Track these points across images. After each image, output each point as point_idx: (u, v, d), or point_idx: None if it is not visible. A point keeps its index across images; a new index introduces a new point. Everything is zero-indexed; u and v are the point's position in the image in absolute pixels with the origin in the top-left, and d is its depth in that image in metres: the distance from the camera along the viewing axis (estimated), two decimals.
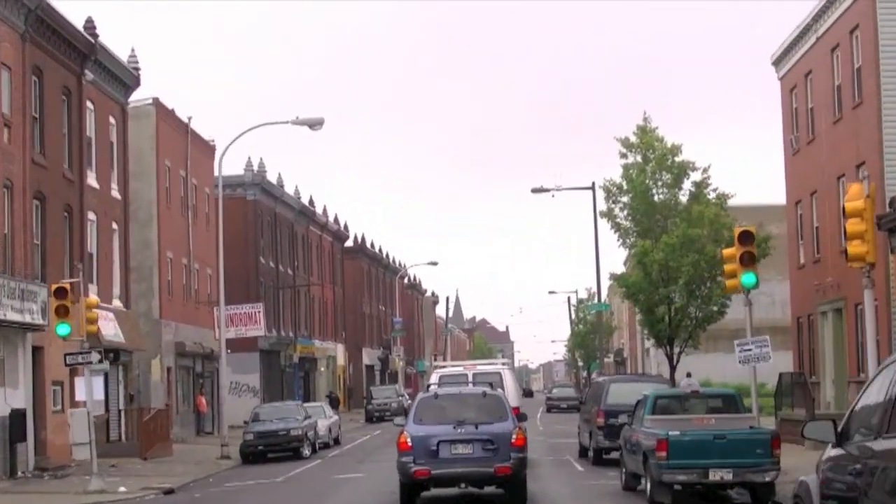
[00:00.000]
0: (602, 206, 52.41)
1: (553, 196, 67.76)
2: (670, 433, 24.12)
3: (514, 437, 24.76)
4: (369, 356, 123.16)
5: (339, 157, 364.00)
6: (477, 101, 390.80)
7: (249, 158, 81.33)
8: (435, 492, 26.71)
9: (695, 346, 54.26)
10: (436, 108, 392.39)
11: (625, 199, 51.33)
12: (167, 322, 61.51)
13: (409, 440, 24.71)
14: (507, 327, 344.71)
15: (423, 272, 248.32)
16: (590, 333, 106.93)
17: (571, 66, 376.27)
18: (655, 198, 51.12)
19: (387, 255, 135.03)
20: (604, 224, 54.71)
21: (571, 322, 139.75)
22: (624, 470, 28.34)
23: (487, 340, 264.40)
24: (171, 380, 62.16)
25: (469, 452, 24.55)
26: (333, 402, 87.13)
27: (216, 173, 55.13)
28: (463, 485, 25.04)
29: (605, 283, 75.05)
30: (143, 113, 60.17)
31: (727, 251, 30.84)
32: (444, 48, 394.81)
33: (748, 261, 29.50)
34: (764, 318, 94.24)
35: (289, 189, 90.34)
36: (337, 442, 57.19)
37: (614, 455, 36.71)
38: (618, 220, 51.93)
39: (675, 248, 49.00)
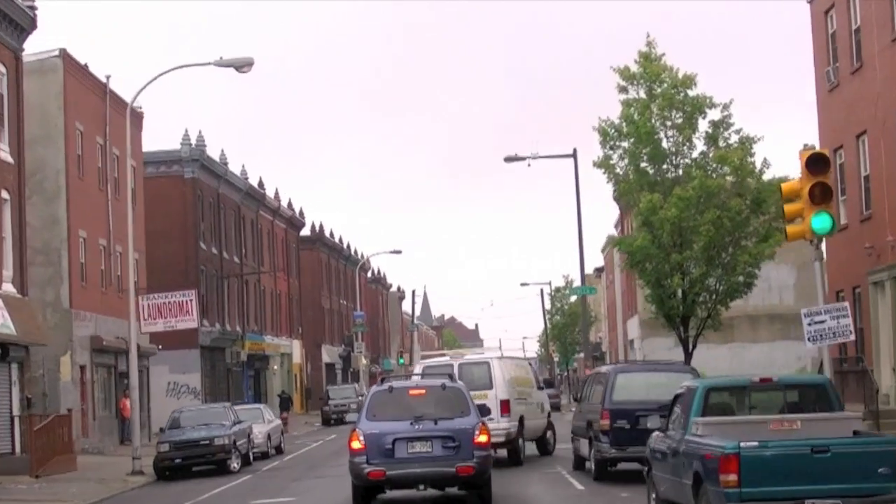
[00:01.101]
0: (597, 153, 42.13)
1: (529, 165, 59.20)
2: (743, 446, 15.49)
3: (477, 433, 22.81)
4: (330, 354, 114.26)
5: (293, 144, 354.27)
6: (447, 87, 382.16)
7: (186, 131, 72.48)
8: (392, 494, 24.78)
9: (715, 328, 45.45)
10: (401, 94, 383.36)
11: (625, 144, 41.53)
12: (81, 313, 52.45)
13: (361, 438, 22.78)
14: (476, 325, 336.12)
15: (388, 266, 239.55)
16: (567, 325, 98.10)
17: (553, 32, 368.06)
18: (664, 143, 41.56)
19: (348, 246, 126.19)
20: (597, 179, 45.23)
21: (545, 314, 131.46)
22: (655, 496, 19.60)
23: (458, 338, 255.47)
24: (86, 380, 53.03)
25: (428, 451, 22.69)
26: (285, 403, 78.81)
27: (125, 136, 45.95)
28: (422, 486, 23.16)
29: (591, 263, 66.30)
30: (49, 67, 51.21)
31: (789, 185, 22.31)
32: (412, 34, 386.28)
33: (821, 196, 20.92)
34: (759, 306, 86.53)
35: (234, 168, 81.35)
36: (279, 451, 48.48)
37: (624, 467, 28.44)
38: (616, 170, 42.17)
39: (691, 203, 39.90)
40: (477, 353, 38.65)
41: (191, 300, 55.95)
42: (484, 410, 26.49)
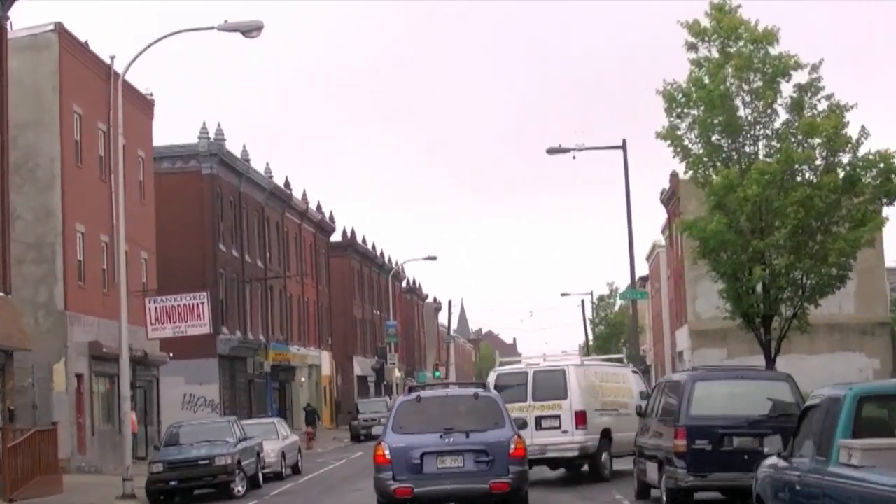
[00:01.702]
0: (662, 123, 35.84)
1: (574, 157, 53.61)
2: None
3: (512, 446, 21.38)
4: (362, 366, 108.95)
5: (319, 147, 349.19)
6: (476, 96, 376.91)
7: (204, 123, 67.38)
8: None
9: (802, 329, 39.71)
10: (425, 102, 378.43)
11: (694, 112, 35.46)
12: (78, 316, 47.29)
13: (387, 452, 21.37)
14: (514, 339, 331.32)
15: (424, 277, 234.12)
16: (612, 336, 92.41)
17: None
18: (740, 110, 35.51)
19: (381, 254, 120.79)
20: (643, 179, 39.75)
21: (586, 325, 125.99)
22: None
23: (494, 351, 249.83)
24: (83, 390, 47.82)
25: (459, 466, 21.28)
26: (311, 417, 73.53)
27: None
28: None
29: (641, 266, 60.98)
30: (42, 43, 46.25)
31: None
32: (442, 35, 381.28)
33: None
34: (817, 315, 79.81)
35: (257, 166, 76.18)
36: (296, 470, 43.19)
37: (704, 497, 22.96)
38: (684, 141, 35.94)
39: (775, 180, 34.34)
40: (554, 358, 33.55)
41: (202, 303, 51.03)
42: (519, 423, 23.80)
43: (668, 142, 35.76)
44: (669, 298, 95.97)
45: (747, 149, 36.21)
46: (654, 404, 25.31)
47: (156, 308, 51.03)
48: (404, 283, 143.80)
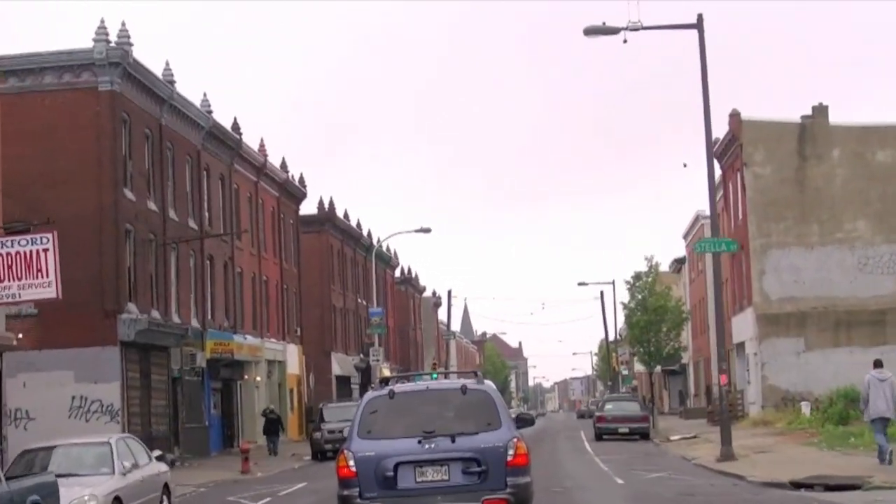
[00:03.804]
0: None
1: (625, 42, 37.69)
2: None
3: (510, 452, 17.15)
4: (342, 365, 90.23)
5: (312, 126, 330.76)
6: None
7: (102, 21, 48.48)
8: None
9: None
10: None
11: None
12: None
13: (351, 463, 17.20)
14: (519, 343, 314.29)
15: (423, 271, 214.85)
16: (653, 324, 73.45)
17: None
18: None
19: (369, 234, 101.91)
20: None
21: (605, 320, 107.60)
22: None
23: (501, 355, 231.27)
24: None
25: (443, 479, 17.08)
26: (273, 426, 55.40)
27: None
28: None
29: (668, 254, 43.81)
30: None
31: None
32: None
33: None
34: (785, 300, 63.09)
35: (190, 96, 57.55)
36: None
37: None
38: None
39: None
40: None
41: (46, 249, 32.35)
42: (527, 420, 19.81)
43: None
44: (721, 279, 76.98)
45: None
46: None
47: None
48: (398, 272, 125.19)
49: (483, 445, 17.27)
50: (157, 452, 48.50)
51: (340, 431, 54.01)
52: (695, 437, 55.67)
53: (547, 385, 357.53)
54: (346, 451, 17.52)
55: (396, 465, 17.18)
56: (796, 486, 27.83)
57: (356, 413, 18.15)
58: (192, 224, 56.93)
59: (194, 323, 56.60)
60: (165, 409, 52.04)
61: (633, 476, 33.18)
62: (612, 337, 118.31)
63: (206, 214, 59.63)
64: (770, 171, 64.30)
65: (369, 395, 18.45)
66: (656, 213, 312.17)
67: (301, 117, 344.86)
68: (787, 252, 63.66)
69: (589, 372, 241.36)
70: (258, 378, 67.05)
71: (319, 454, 54.35)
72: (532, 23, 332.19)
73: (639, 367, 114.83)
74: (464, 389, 17.93)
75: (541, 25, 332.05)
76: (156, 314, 51.16)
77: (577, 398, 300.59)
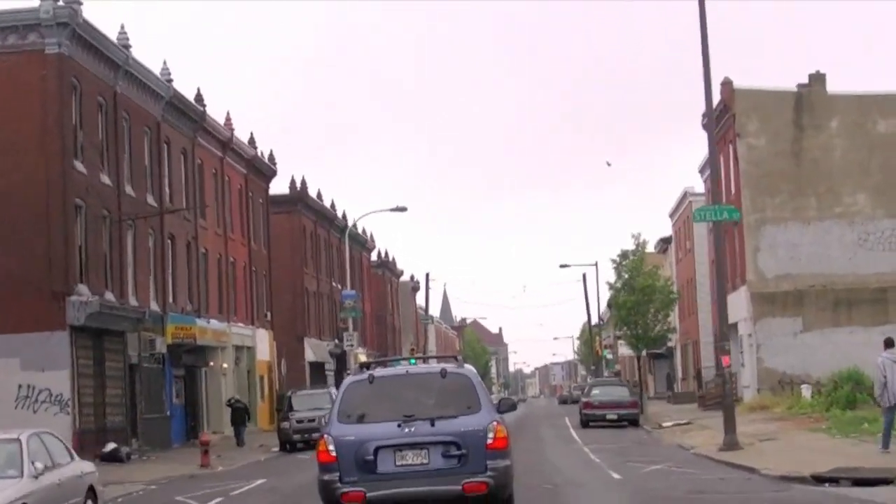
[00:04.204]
0: None
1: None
2: None
3: (490, 435, 17.26)
4: (316, 351, 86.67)
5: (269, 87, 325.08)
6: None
7: None
8: None
9: None
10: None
11: None
12: None
13: (331, 448, 17.29)
14: (500, 328, 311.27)
15: (400, 255, 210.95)
16: (640, 304, 69.92)
17: None
18: None
19: (343, 216, 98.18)
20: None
21: (588, 303, 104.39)
22: None
23: (481, 340, 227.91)
24: None
25: (423, 463, 17.18)
26: (240, 415, 52.15)
27: None
28: None
29: (654, 233, 40.90)
30: None
31: None
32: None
33: None
34: (782, 278, 60.01)
35: (148, 63, 53.81)
36: None
37: None
38: None
39: None
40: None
41: None
42: (508, 405, 19.72)
43: None
44: (712, 257, 73.64)
45: None
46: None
47: None
48: (374, 256, 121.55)
49: (463, 429, 17.27)
50: (111, 445, 45.24)
51: (310, 420, 50.72)
52: (688, 423, 52.40)
53: (528, 370, 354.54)
54: (326, 436, 17.54)
55: (376, 449, 17.19)
56: (819, 480, 24.44)
57: (336, 397, 18.28)
58: (150, 201, 53.26)
59: (154, 306, 53.00)
60: (122, 399, 48.40)
61: (630, 469, 29.76)
62: (594, 320, 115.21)
63: (167, 191, 55.97)
64: (765, 143, 61.04)
65: (349, 379, 18.61)
66: (639, 196, 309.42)
67: (284, 102, 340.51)
68: (783, 227, 60.39)
69: (570, 357, 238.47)
70: (225, 365, 63.45)
71: (288, 445, 50.92)
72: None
73: (623, 350, 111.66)
74: (443, 373, 17.94)
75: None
76: (110, 297, 47.50)
77: (559, 383, 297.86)
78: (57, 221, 43.76)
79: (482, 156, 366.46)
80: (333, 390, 56.37)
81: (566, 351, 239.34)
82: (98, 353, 46.43)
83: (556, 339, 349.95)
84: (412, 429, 17.33)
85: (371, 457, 17.18)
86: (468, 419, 17.40)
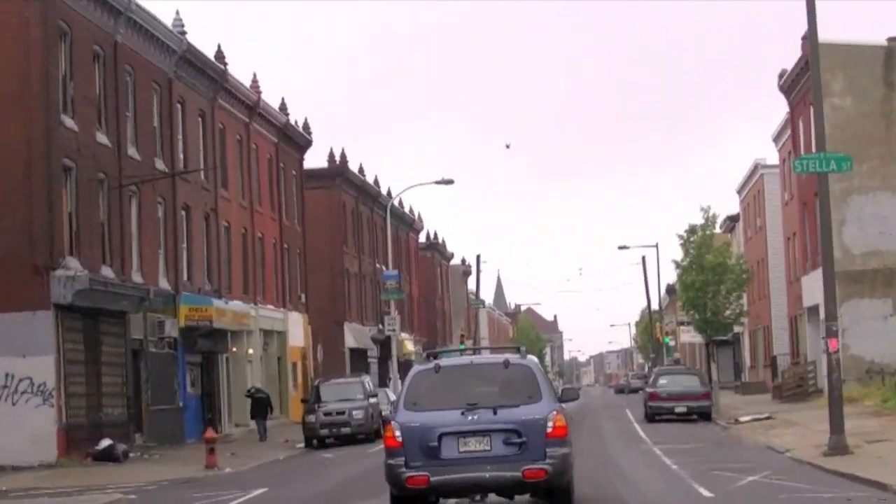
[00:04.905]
0: None
1: None
2: None
3: (550, 424, 17.72)
4: (358, 337, 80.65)
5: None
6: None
7: None
8: None
9: None
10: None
11: None
12: None
13: (398, 434, 17.97)
14: (554, 316, 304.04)
15: (452, 239, 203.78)
16: (710, 284, 63.19)
17: None
18: None
19: (388, 193, 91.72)
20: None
21: (648, 285, 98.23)
22: None
23: (535, 328, 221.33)
24: None
25: (485, 449, 17.74)
26: (261, 406, 46.31)
27: None
28: (478, 497, 18.13)
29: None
30: None
31: None
32: None
33: None
34: (870, 255, 53.36)
35: (162, 16, 47.84)
36: None
37: None
38: None
39: None
40: None
41: None
42: (571, 396, 20.41)
43: None
44: (788, 234, 66.90)
45: None
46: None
47: None
48: (423, 238, 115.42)
49: (524, 417, 17.76)
50: (105, 442, 39.12)
51: (339, 413, 44.79)
52: (768, 417, 45.92)
53: (582, 359, 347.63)
54: (392, 423, 18.23)
55: (441, 436, 17.77)
56: None
57: (403, 386, 18.98)
58: (160, 166, 47.30)
59: (164, 285, 47.09)
60: (122, 389, 42.41)
61: (719, 481, 23.44)
62: (654, 305, 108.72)
63: (181, 156, 50.04)
64: (851, 103, 54.41)
65: (416, 368, 19.22)
66: (701, 174, 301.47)
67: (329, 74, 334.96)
68: (872, 198, 53.78)
69: (626, 345, 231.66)
70: (250, 351, 57.50)
71: (315, 441, 44.92)
72: None
73: (685, 337, 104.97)
74: (506, 364, 18.46)
75: None
76: (108, 272, 41.55)
77: (614, 372, 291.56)
78: (40, 184, 37.88)
79: (534, 135, 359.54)
80: (367, 379, 50.31)
81: (622, 339, 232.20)
82: (91, 337, 40.45)
83: (612, 326, 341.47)
84: (475, 416, 17.82)
85: (435, 443, 17.75)
86: (529, 408, 17.85)
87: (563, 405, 18.61)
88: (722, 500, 20.63)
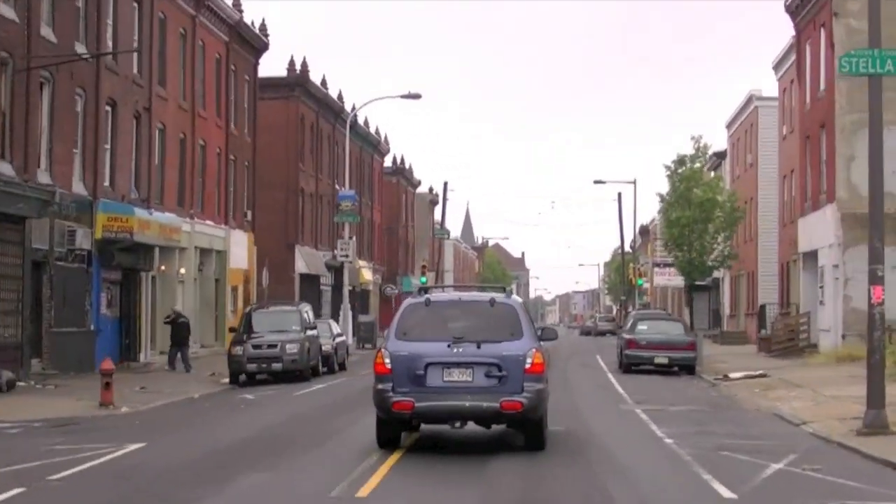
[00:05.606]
0: None
1: None
2: None
3: (528, 360, 19.10)
4: (310, 262, 74.58)
5: None
6: None
7: None
8: (428, 429, 20.84)
9: None
10: None
11: None
12: None
13: (387, 361, 19.33)
14: (522, 253, 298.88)
15: (419, 166, 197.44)
16: (697, 222, 57.30)
17: None
18: None
19: (353, 109, 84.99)
20: None
21: (622, 222, 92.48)
22: None
23: (503, 264, 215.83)
24: None
25: (467, 380, 19.13)
26: (180, 333, 40.32)
27: None
28: (458, 423, 19.39)
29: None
30: None
31: None
32: None
33: None
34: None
35: None
36: None
37: None
38: None
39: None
40: None
41: None
42: (551, 335, 21.76)
43: None
44: (784, 171, 61.04)
45: None
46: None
47: None
48: (389, 161, 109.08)
49: (505, 353, 19.06)
50: None
51: (271, 346, 38.88)
52: (762, 375, 40.30)
53: (548, 297, 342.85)
54: (383, 350, 19.54)
55: (427, 365, 19.11)
56: None
57: (395, 317, 20.28)
58: (77, 45, 40.89)
59: (80, 189, 40.94)
60: (16, 306, 36.27)
61: (733, 468, 17.75)
62: (628, 246, 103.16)
63: (109, 44, 43.64)
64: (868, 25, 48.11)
65: (408, 301, 20.53)
66: (690, 105, 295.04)
67: None
68: (886, 132, 47.14)
69: (594, 286, 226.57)
70: (182, 270, 51.44)
71: (242, 374, 39.02)
72: None
73: (658, 280, 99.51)
74: (492, 302, 19.88)
75: None
76: (7, 168, 35.37)
77: (579, 312, 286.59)
78: None
79: (514, 54, 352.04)
80: (307, 308, 44.16)
81: (590, 279, 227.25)
82: None
83: (581, 265, 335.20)
84: (460, 349, 19.15)
85: (422, 371, 19.10)
86: (510, 344, 19.19)
87: (542, 343, 19.74)
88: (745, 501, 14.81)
